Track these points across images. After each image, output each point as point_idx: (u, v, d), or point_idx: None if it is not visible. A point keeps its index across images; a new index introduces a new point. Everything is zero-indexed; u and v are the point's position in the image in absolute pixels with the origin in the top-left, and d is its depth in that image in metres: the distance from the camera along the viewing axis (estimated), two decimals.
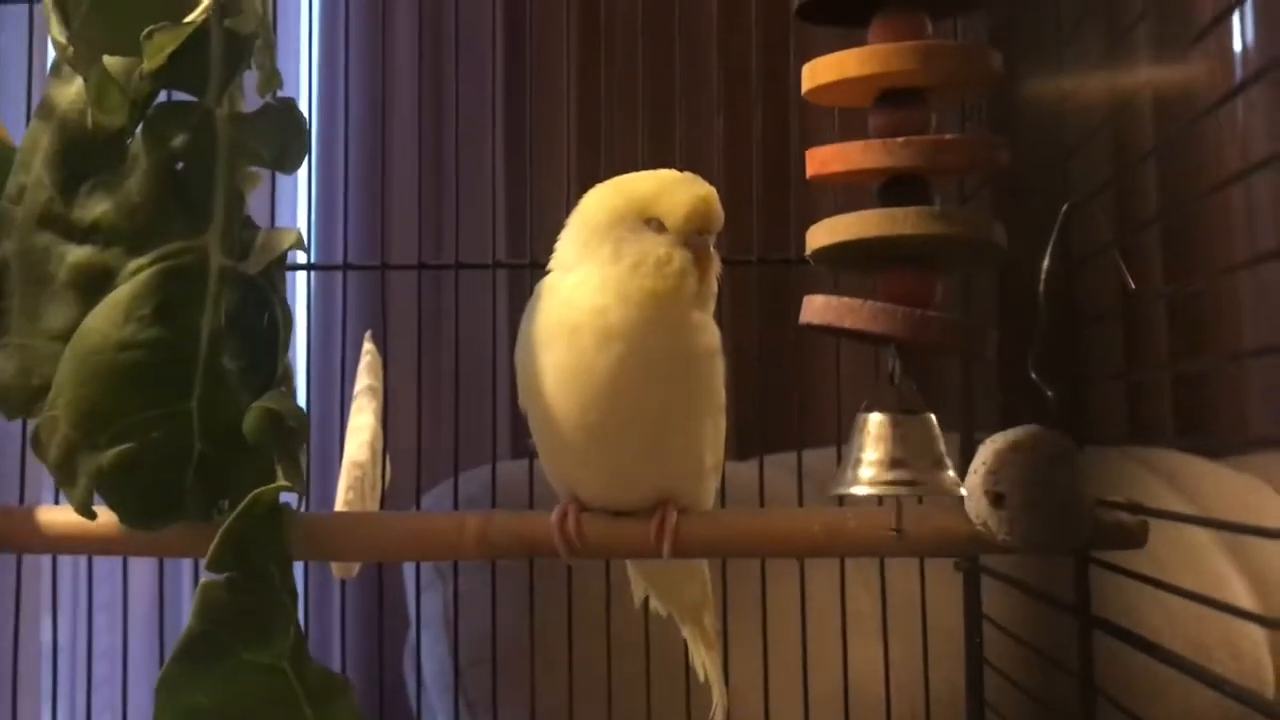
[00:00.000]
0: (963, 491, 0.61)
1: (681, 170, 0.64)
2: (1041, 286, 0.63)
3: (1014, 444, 0.61)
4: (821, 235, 0.62)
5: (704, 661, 0.77)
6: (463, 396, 0.90)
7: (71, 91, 0.62)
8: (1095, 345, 0.70)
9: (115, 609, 0.89)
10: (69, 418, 0.58)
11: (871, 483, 0.60)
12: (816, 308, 0.62)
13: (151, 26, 0.58)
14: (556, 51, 1.04)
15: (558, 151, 0.97)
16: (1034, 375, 0.63)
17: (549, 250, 0.67)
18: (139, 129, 0.62)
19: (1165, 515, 0.63)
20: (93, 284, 0.60)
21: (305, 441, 0.63)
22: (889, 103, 0.62)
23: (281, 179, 0.80)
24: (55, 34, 0.60)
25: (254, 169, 0.65)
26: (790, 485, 0.89)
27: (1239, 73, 1.60)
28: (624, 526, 0.65)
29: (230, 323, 0.61)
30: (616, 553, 0.69)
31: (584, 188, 0.67)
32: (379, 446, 0.78)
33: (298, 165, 0.66)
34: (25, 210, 0.61)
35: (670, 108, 0.90)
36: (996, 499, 0.60)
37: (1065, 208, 0.65)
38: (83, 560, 0.90)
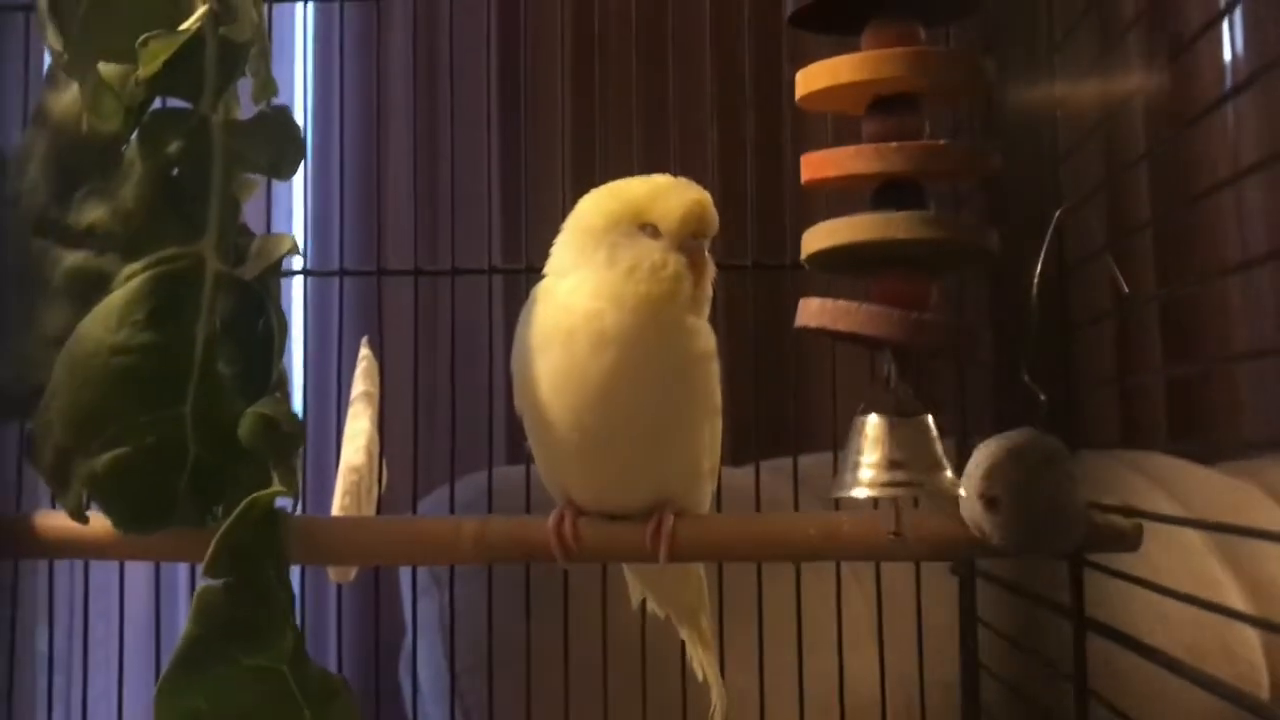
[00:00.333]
0: (962, 492, 0.61)
1: (676, 176, 0.64)
2: (1034, 291, 0.63)
3: (1008, 448, 0.61)
4: (816, 239, 0.62)
5: (702, 661, 0.77)
6: (459, 401, 0.90)
7: (67, 98, 0.62)
8: (1088, 349, 0.71)
9: (112, 618, 0.89)
10: (63, 422, 0.58)
11: (871, 484, 0.60)
12: (812, 311, 0.62)
13: (147, 34, 0.58)
14: (551, 58, 1.04)
15: (553, 157, 0.97)
16: (1027, 379, 0.63)
17: (544, 255, 0.67)
18: (134, 135, 0.62)
19: (1159, 518, 0.64)
20: (88, 289, 0.60)
21: (300, 447, 0.63)
22: (882, 109, 0.62)
23: (278, 185, 0.80)
24: (51, 41, 0.60)
25: (249, 175, 0.65)
26: (786, 490, 0.89)
27: (1228, 79, 1.61)
28: (620, 531, 0.65)
29: (225, 328, 0.61)
30: (613, 557, 0.69)
31: (579, 193, 0.67)
32: (375, 451, 0.78)
33: (293, 172, 0.66)
34: (21, 215, 0.61)
35: (665, 113, 0.90)
36: (990, 503, 0.60)
37: (1058, 212, 0.65)
38: (79, 569, 0.90)
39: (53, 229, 0.61)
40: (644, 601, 0.78)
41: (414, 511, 0.91)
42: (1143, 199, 1.55)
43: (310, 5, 1.20)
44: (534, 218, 0.85)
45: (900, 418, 0.61)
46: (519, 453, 0.74)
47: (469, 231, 1.00)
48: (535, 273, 0.68)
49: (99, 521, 0.62)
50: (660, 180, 0.64)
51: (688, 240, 0.62)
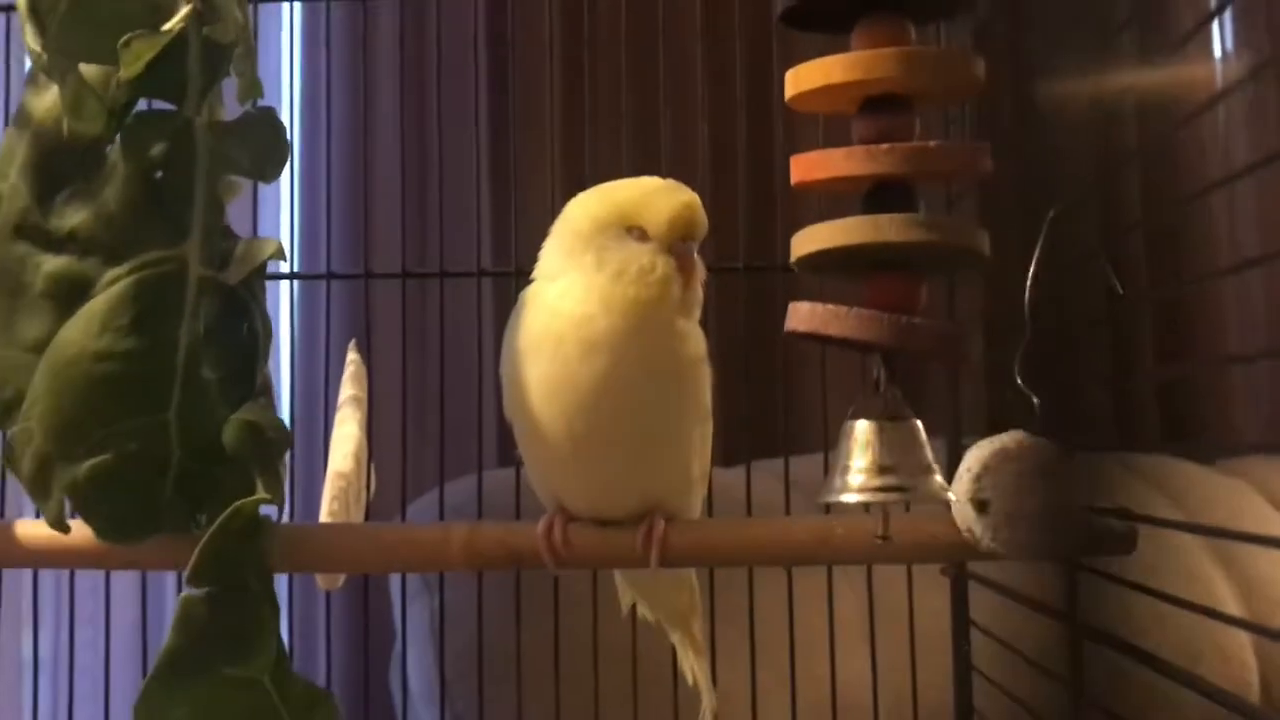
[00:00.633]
0: (951, 496, 0.61)
1: (666, 178, 0.64)
2: (1028, 293, 0.63)
3: (1000, 450, 0.60)
4: (806, 242, 0.62)
5: (693, 667, 0.76)
6: (448, 405, 0.89)
7: (48, 100, 0.61)
8: (1081, 351, 0.70)
9: (97, 623, 0.88)
10: (44, 430, 0.58)
11: (860, 490, 0.60)
12: (802, 315, 0.62)
13: (129, 34, 0.57)
14: (540, 59, 1.03)
15: (542, 159, 0.97)
16: (1020, 381, 0.63)
17: (534, 258, 0.66)
18: (117, 138, 0.61)
19: (1153, 521, 0.63)
20: (69, 294, 0.59)
21: (286, 453, 0.63)
22: (873, 109, 0.62)
23: (264, 188, 0.79)
24: (30, 42, 0.59)
25: (234, 178, 0.65)
26: (777, 492, 0.89)
27: (1219, 79, 1.61)
28: (611, 536, 0.64)
29: (209, 333, 0.61)
30: (604, 563, 0.69)
31: (568, 195, 0.66)
32: (364, 457, 0.77)
33: (278, 174, 0.65)
34: (1, 219, 0.61)
35: (654, 115, 0.90)
36: (982, 505, 0.60)
37: (1051, 214, 0.65)
38: (64, 575, 0.89)
39: (33, 233, 0.60)
40: (634, 607, 0.77)
41: (403, 517, 0.91)
42: (1136, 200, 1.56)
43: (296, 5, 1.19)
44: (523, 220, 0.85)
45: (889, 422, 0.61)
46: (509, 457, 0.73)
47: (458, 234, 0.99)
48: (524, 276, 0.67)
49: (81, 530, 0.61)
50: (649, 183, 0.63)
51: (677, 243, 0.62)
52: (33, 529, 0.64)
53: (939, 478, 0.61)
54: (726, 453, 1.18)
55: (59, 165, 0.61)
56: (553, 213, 0.67)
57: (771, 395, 0.93)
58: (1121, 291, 0.64)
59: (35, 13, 0.59)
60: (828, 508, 0.64)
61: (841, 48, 0.62)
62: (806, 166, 0.62)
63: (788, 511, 0.88)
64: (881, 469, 0.60)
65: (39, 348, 0.58)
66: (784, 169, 0.65)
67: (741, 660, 0.85)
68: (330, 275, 0.92)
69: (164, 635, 0.58)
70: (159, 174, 0.61)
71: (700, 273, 0.64)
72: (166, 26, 0.59)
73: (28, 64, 0.62)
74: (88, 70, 0.59)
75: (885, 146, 0.60)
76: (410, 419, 0.89)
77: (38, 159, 0.61)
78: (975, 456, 0.61)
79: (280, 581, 0.61)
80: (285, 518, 0.68)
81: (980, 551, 0.61)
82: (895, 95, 0.61)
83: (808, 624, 0.87)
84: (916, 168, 0.60)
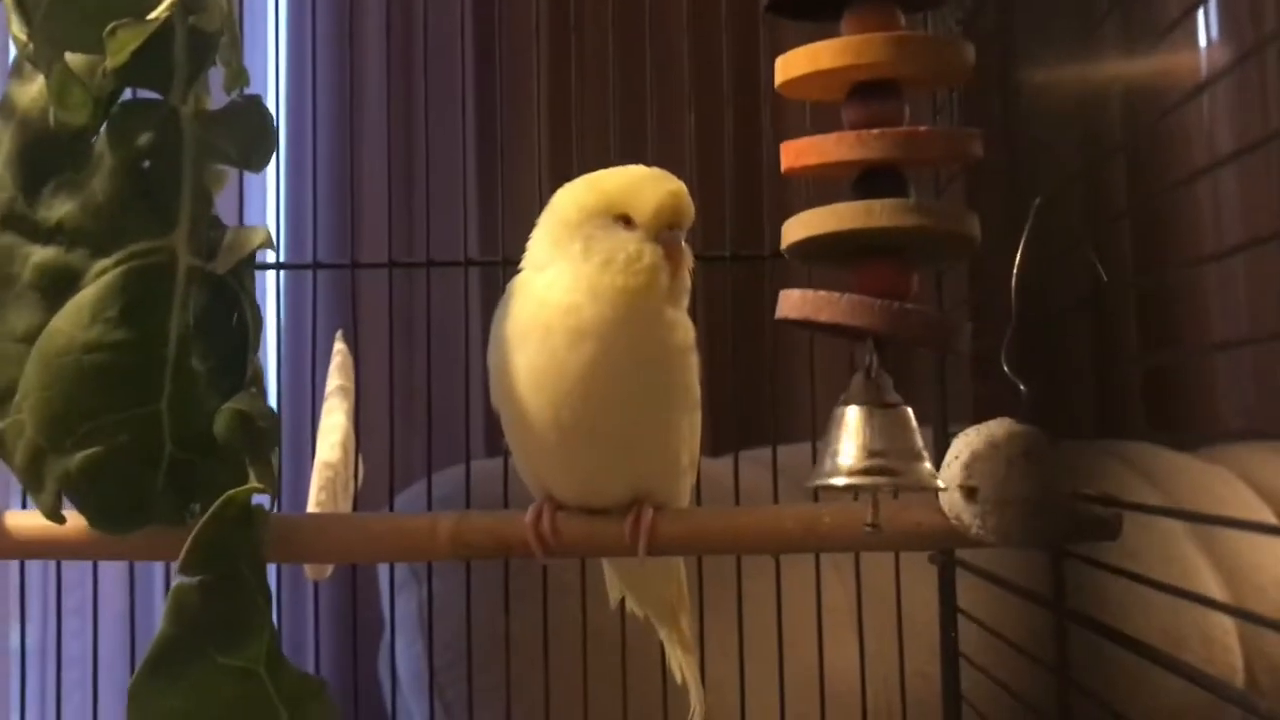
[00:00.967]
0: (939, 484, 0.61)
1: (653, 166, 0.64)
2: (1014, 280, 0.63)
3: (987, 438, 0.61)
4: (796, 229, 0.62)
5: (681, 665, 0.76)
6: (436, 395, 0.89)
7: (33, 90, 0.61)
8: (1067, 338, 0.71)
9: (86, 614, 0.88)
10: (35, 421, 0.57)
11: (849, 474, 0.60)
12: (794, 302, 0.62)
13: (114, 23, 0.57)
14: (527, 47, 1.03)
15: (529, 148, 0.97)
16: (1006, 369, 0.63)
17: (521, 248, 0.66)
18: (103, 127, 0.61)
19: (1138, 508, 0.64)
20: (58, 285, 0.59)
21: (277, 443, 0.63)
22: (862, 95, 0.62)
23: (250, 177, 0.79)
24: (15, 30, 0.59)
25: (221, 167, 0.64)
26: (766, 481, 0.89)
27: (1204, 67, 1.61)
28: (599, 525, 0.64)
29: (199, 323, 0.61)
30: (592, 552, 0.69)
31: (556, 184, 0.66)
32: (351, 447, 0.77)
33: (265, 163, 0.65)
34: None
35: (642, 103, 0.90)
36: (970, 493, 0.60)
37: (1037, 202, 0.65)
38: (52, 565, 0.89)
39: (20, 224, 0.60)
40: (623, 599, 0.77)
41: (391, 507, 0.91)
42: (1121, 188, 1.56)
43: None
44: (510, 210, 0.85)
45: (880, 408, 0.61)
46: (496, 446, 0.73)
47: (444, 224, 0.99)
48: (512, 265, 0.67)
49: (74, 520, 0.61)
50: (635, 171, 0.63)
51: (664, 231, 0.62)
52: (23, 520, 0.64)
53: (928, 464, 0.61)
54: (715, 442, 1.18)
55: (45, 156, 0.60)
56: (540, 202, 0.67)
57: (759, 384, 0.93)
58: (1106, 279, 0.65)
59: (20, 2, 0.58)
60: (816, 493, 0.64)
61: (827, 37, 0.62)
62: (797, 152, 0.62)
63: (776, 500, 0.88)
64: (871, 454, 0.60)
65: (29, 339, 0.58)
66: (772, 156, 0.65)
67: (730, 648, 0.85)
68: (317, 265, 0.91)
69: (153, 625, 0.58)
70: (146, 164, 0.61)
71: (688, 261, 0.64)
72: (152, 15, 0.58)
73: (12, 53, 0.61)
74: (73, 59, 0.59)
75: (876, 131, 0.60)
76: (397, 409, 0.89)
77: (24, 150, 0.60)
78: (963, 444, 0.61)
79: (268, 572, 0.61)
80: (273, 508, 0.68)
81: (968, 539, 0.61)
82: (885, 80, 0.61)
83: (796, 612, 0.87)
84: (907, 153, 0.60)
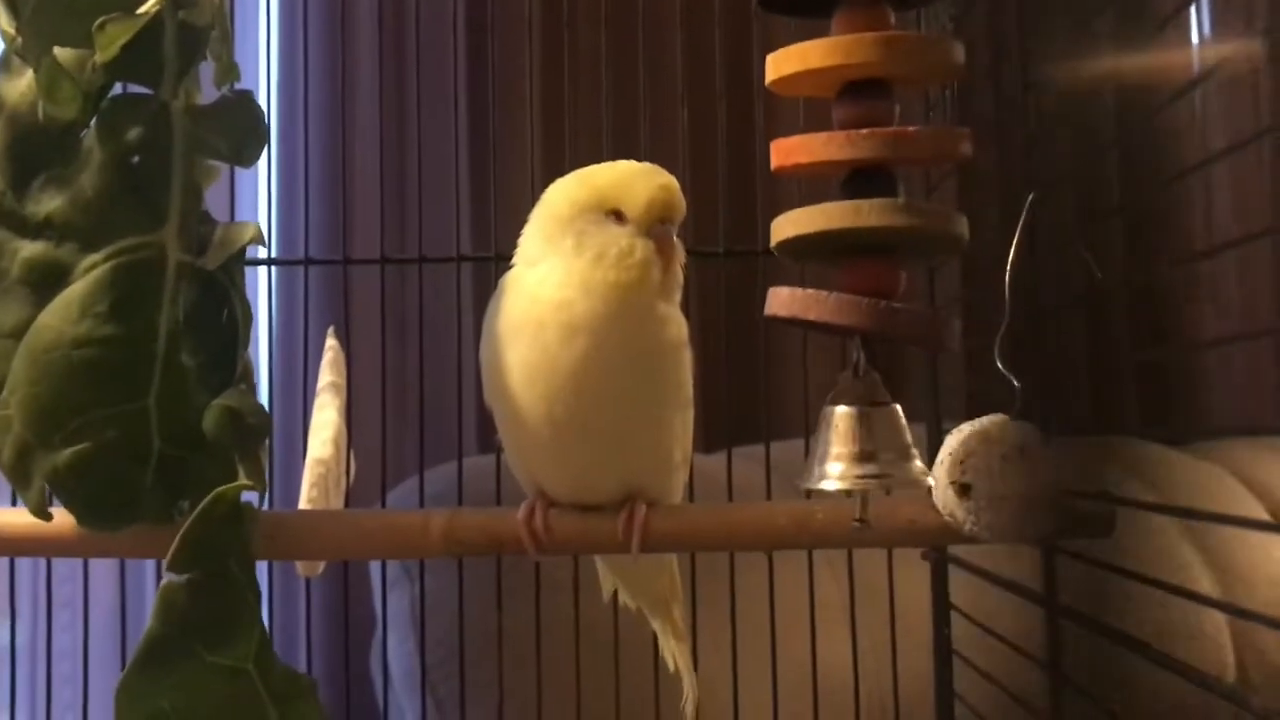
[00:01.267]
0: (930, 481, 0.61)
1: (645, 162, 0.63)
2: (1008, 277, 0.63)
3: (980, 434, 0.61)
4: (786, 228, 0.62)
5: (674, 653, 0.77)
6: (428, 391, 0.89)
7: (22, 84, 0.60)
8: (1061, 335, 0.71)
9: (76, 607, 0.88)
10: (22, 417, 0.57)
11: (840, 477, 0.60)
12: (782, 300, 0.62)
13: (104, 17, 0.57)
14: (519, 43, 1.03)
15: (521, 144, 0.96)
16: (1000, 365, 0.63)
17: (513, 243, 0.66)
18: (92, 122, 0.61)
19: (1131, 504, 0.64)
20: (46, 281, 0.58)
21: (266, 439, 0.62)
22: (853, 94, 0.62)
23: (242, 172, 0.79)
24: (4, 24, 0.59)
25: (211, 162, 0.64)
26: (758, 477, 0.89)
27: (1196, 64, 1.62)
28: (592, 522, 0.64)
29: (188, 319, 0.60)
30: (585, 549, 0.69)
31: (548, 180, 0.66)
32: (343, 443, 0.77)
33: (256, 158, 0.65)
34: None
35: (634, 99, 0.90)
36: (963, 489, 0.60)
37: (1030, 199, 0.65)
38: (42, 559, 0.89)
39: (9, 219, 0.60)
40: (615, 593, 0.77)
41: (383, 504, 0.91)
42: (1114, 184, 1.56)
43: None
44: (503, 205, 0.85)
45: (869, 407, 0.61)
46: (489, 443, 0.73)
47: (437, 219, 0.99)
48: (504, 261, 0.67)
49: (62, 518, 0.61)
50: (627, 166, 0.63)
51: (655, 226, 0.61)
52: (11, 517, 0.63)
53: (919, 462, 0.61)
54: (708, 437, 1.18)
55: (34, 150, 0.60)
56: (532, 197, 0.67)
57: (753, 380, 0.93)
58: (1099, 275, 0.65)
59: None
60: (809, 494, 0.64)
61: (821, 33, 0.62)
62: (786, 151, 0.62)
63: (769, 496, 0.88)
64: (862, 455, 0.60)
65: (16, 334, 0.58)
66: (764, 153, 0.65)
67: (723, 644, 0.85)
68: (309, 261, 0.91)
69: (144, 619, 0.58)
70: (135, 159, 0.61)
71: (680, 255, 0.64)
72: (142, 9, 0.58)
73: (1, 47, 0.61)
74: (62, 54, 0.59)
75: (865, 131, 0.60)
76: (390, 405, 0.89)
77: (12, 144, 0.60)
78: (957, 441, 0.61)
79: (260, 569, 0.61)
80: (264, 505, 0.68)
81: (961, 535, 0.61)
82: (875, 80, 0.61)
83: (788, 608, 0.87)
84: (896, 153, 0.60)
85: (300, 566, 0.75)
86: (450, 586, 0.89)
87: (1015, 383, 0.62)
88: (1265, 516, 1.45)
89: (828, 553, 0.94)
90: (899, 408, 0.61)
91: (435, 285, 0.92)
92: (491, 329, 0.64)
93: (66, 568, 0.92)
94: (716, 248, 0.90)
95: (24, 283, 0.59)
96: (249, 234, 0.63)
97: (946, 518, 0.61)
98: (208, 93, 0.64)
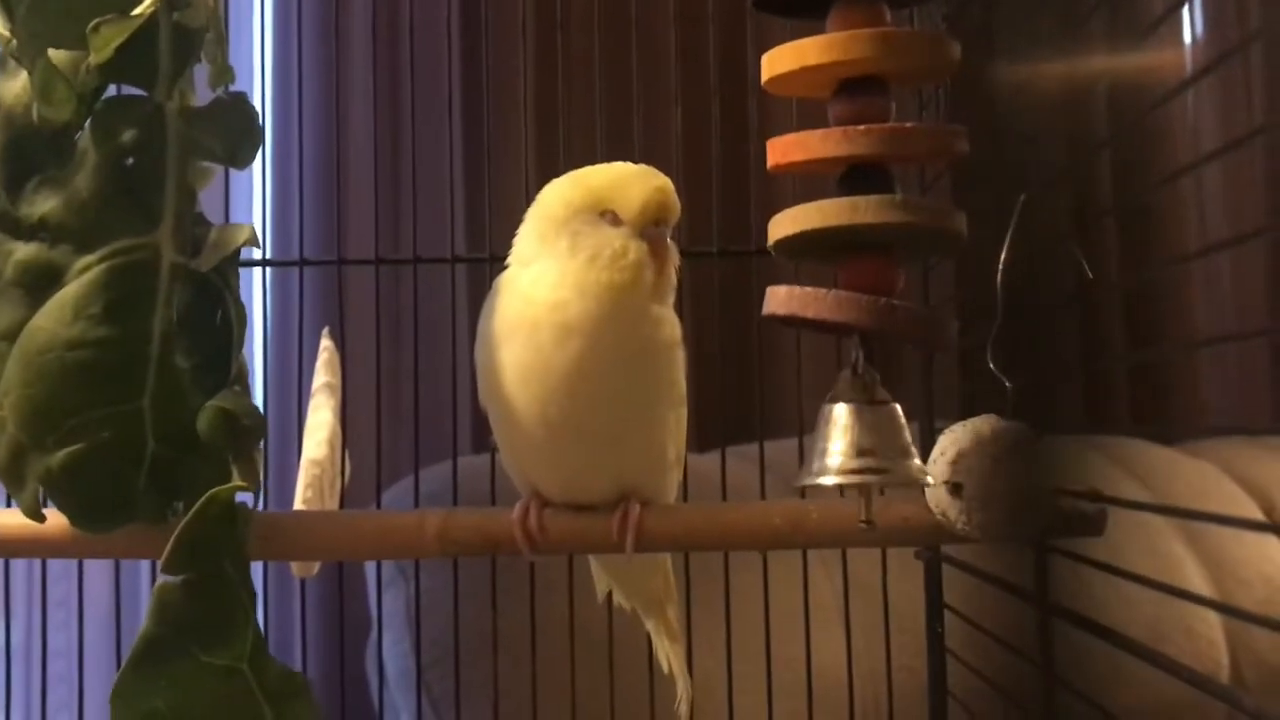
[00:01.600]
0: (929, 480, 0.61)
1: (640, 162, 0.63)
2: (1000, 276, 0.63)
3: (973, 433, 0.61)
4: (783, 226, 0.62)
5: (668, 654, 0.77)
6: (423, 392, 0.89)
7: (16, 85, 0.60)
8: (1052, 334, 0.71)
9: (71, 606, 0.88)
10: (16, 419, 0.57)
11: (839, 472, 0.60)
12: (780, 298, 0.62)
13: (98, 19, 0.57)
14: (513, 44, 1.03)
15: (516, 145, 0.96)
16: (992, 365, 0.63)
17: (508, 244, 0.66)
18: (87, 124, 0.61)
19: (1123, 504, 0.64)
20: (40, 282, 0.58)
21: (261, 440, 0.62)
22: (848, 91, 0.62)
23: (237, 174, 0.79)
24: None
25: (206, 164, 0.64)
26: (752, 476, 0.89)
27: (1189, 63, 1.62)
28: (586, 522, 0.64)
29: (183, 321, 0.60)
30: (579, 548, 0.69)
31: (543, 181, 0.66)
32: (338, 444, 0.77)
33: (250, 160, 0.65)
34: None
35: (629, 99, 0.90)
36: (955, 488, 0.60)
37: (1022, 198, 0.65)
38: (37, 559, 0.89)
39: (3, 221, 0.60)
40: (610, 593, 0.78)
41: (378, 504, 0.91)
42: (1107, 183, 1.57)
43: None
44: (497, 206, 0.85)
45: (868, 405, 0.61)
46: (484, 443, 0.73)
47: (431, 220, 0.99)
48: (499, 262, 0.67)
49: (56, 519, 0.61)
50: (622, 168, 0.63)
51: (649, 228, 0.62)
52: (6, 518, 0.63)
53: (917, 461, 0.61)
54: (702, 437, 1.18)
55: (29, 152, 0.60)
56: (527, 198, 0.67)
57: (747, 379, 0.93)
58: (1092, 275, 0.65)
59: None
60: (802, 491, 0.64)
61: (814, 33, 0.62)
62: (783, 149, 0.62)
63: (763, 496, 0.88)
64: (860, 452, 0.60)
65: (10, 336, 0.58)
66: (758, 152, 0.65)
67: (717, 644, 0.85)
68: (303, 262, 0.91)
69: (138, 619, 0.58)
70: (130, 160, 0.61)
71: (674, 258, 0.64)
72: (136, 11, 0.58)
73: None
74: (57, 55, 0.59)
75: (862, 128, 0.60)
76: (384, 405, 0.89)
77: (7, 146, 0.60)
78: (949, 440, 0.61)
79: (255, 569, 0.61)
80: (259, 506, 0.68)
81: (954, 534, 0.61)
82: (871, 77, 0.61)
83: (783, 607, 0.88)
84: (893, 149, 0.60)
85: (295, 567, 0.75)
86: (445, 586, 0.89)
87: (1007, 382, 0.62)
88: (1259, 515, 1.45)
89: (821, 552, 0.95)
90: (898, 406, 0.61)
91: (430, 286, 0.92)
92: (486, 329, 0.64)
93: (61, 567, 0.92)
94: (710, 247, 0.90)
95: (18, 284, 0.59)
96: (243, 236, 0.63)
97: (939, 517, 0.61)
98: (202, 94, 0.64)
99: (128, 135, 0.60)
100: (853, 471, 0.60)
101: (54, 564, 0.88)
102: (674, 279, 0.64)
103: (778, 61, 0.62)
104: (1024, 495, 0.60)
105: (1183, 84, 0.60)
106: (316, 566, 0.76)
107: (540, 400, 0.61)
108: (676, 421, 0.66)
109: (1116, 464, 1.41)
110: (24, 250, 0.59)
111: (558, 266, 0.62)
